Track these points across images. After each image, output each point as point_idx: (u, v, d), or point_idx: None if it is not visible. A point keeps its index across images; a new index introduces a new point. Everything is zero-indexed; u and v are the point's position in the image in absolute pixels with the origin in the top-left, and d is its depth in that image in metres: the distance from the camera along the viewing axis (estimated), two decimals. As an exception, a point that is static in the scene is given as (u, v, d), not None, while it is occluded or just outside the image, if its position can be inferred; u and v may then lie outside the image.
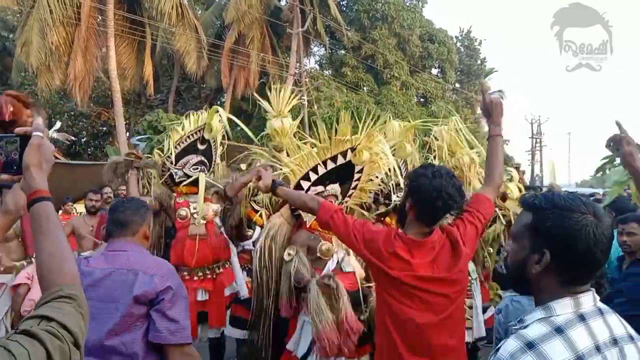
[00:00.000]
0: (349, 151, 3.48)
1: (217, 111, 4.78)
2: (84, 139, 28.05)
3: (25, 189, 1.31)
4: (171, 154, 4.61)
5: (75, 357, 1.07)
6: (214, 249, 4.50)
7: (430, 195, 2.33)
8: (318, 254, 3.40)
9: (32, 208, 1.29)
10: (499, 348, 1.35)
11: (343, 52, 27.11)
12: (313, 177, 3.47)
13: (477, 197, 2.63)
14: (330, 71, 27.56)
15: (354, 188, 3.61)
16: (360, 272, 3.46)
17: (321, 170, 3.45)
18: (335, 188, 3.50)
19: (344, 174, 3.52)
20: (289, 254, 3.30)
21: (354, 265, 3.44)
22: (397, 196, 3.91)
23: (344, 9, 27.90)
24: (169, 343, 2.14)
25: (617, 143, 2.25)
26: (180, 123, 4.89)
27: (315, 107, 21.99)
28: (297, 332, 3.28)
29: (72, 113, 25.03)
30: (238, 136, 25.71)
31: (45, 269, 1.23)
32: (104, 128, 27.04)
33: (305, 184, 3.46)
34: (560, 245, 1.37)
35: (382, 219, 4.03)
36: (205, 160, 4.73)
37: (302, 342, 3.23)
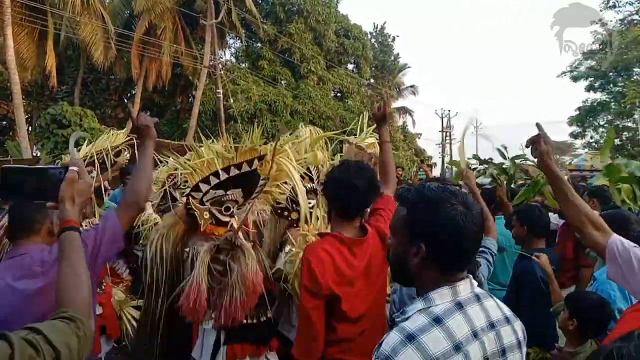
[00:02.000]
0: (256, 160, 3.38)
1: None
2: (-19, 134, 26.09)
3: (59, 217, 1.49)
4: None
5: None
6: None
7: (337, 188, 2.48)
8: None
9: (61, 236, 1.47)
10: (381, 342, 1.36)
11: (259, 45, 26.91)
12: (214, 180, 3.37)
13: (387, 198, 2.79)
14: (246, 64, 27.28)
15: (258, 192, 3.56)
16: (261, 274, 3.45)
17: (223, 176, 3.36)
18: (236, 193, 3.43)
19: (247, 179, 3.44)
20: (186, 252, 3.21)
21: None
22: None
23: (260, 1, 27.67)
24: None
25: (535, 143, 2.27)
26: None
27: (232, 101, 21.70)
28: (200, 339, 3.21)
29: (-34, 106, 23.26)
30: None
31: (60, 290, 1.40)
32: (4, 122, 25.29)
33: (204, 187, 3.35)
34: (433, 236, 1.41)
35: (295, 225, 4.01)
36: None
37: (205, 348, 3.16)
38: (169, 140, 15.21)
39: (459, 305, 1.40)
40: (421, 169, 12.00)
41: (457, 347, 1.31)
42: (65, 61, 23.06)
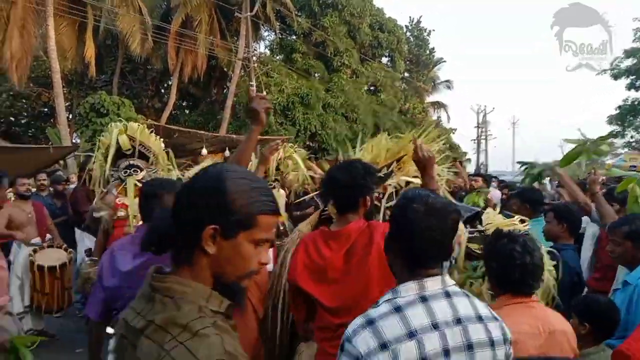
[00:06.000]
0: (395, 162, 3.27)
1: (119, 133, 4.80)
2: (24, 121, 26.97)
3: None
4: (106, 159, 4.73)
5: None
6: None
7: (324, 182, 2.62)
8: None
9: None
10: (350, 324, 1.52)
11: (294, 38, 27.00)
12: None
13: None
14: (280, 57, 27.43)
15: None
16: None
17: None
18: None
19: None
20: None
21: None
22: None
23: (295, -6, 27.74)
24: None
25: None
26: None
27: (265, 93, 21.88)
28: None
29: (11, 93, 24.02)
30: (186, 120, 25.30)
31: None
32: (45, 109, 26.08)
33: None
34: (398, 234, 1.59)
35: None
36: (136, 163, 4.73)
37: None
38: (202, 131, 15.47)
39: (423, 299, 1.51)
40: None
41: (411, 334, 1.43)
42: (105, 51, 23.65)
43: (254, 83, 20.78)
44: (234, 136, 17.29)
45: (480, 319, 1.55)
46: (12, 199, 6.45)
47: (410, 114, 30.40)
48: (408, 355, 1.41)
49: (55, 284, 5.55)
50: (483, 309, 1.59)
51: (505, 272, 2.23)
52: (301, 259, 2.47)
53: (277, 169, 5.37)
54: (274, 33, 27.44)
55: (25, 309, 5.70)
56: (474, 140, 44.10)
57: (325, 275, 2.43)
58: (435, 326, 1.46)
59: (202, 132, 15.29)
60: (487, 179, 9.37)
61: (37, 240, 5.95)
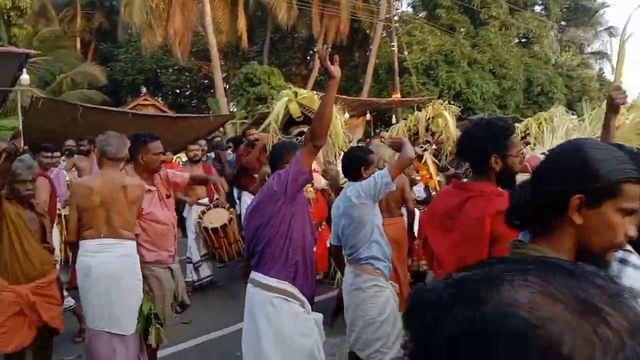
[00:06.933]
0: None
1: (289, 101, 5.24)
2: (188, 92, 29.69)
3: None
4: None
5: None
6: (320, 211, 5.27)
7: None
8: None
9: None
10: None
11: (437, -8, 25.99)
12: None
13: None
14: (423, 14, 26.65)
15: None
16: None
17: None
18: None
19: None
20: None
21: None
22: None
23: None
24: None
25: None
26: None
27: (407, 53, 21.56)
28: None
29: (176, 67, 26.51)
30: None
31: None
32: (206, 81, 28.39)
33: None
34: None
35: None
36: (306, 130, 5.18)
37: None
38: (344, 96, 15.83)
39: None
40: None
41: None
42: (255, 22, 24.97)
43: (395, 43, 20.57)
44: (375, 99, 17.43)
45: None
46: (182, 163, 7.24)
47: (568, 66, 27.93)
48: None
49: (221, 241, 6.24)
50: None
51: None
52: (432, 204, 2.69)
53: (427, 129, 5.45)
54: (416, -11, 26.71)
55: (202, 257, 6.48)
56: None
57: (443, 223, 2.38)
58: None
59: (344, 96, 15.63)
60: None
61: (205, 200, 6.67)
